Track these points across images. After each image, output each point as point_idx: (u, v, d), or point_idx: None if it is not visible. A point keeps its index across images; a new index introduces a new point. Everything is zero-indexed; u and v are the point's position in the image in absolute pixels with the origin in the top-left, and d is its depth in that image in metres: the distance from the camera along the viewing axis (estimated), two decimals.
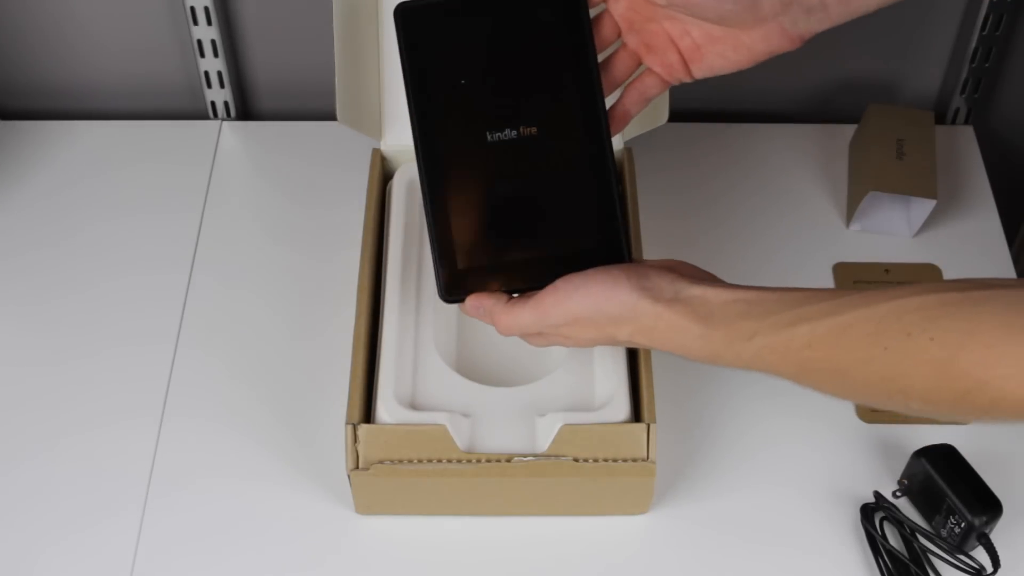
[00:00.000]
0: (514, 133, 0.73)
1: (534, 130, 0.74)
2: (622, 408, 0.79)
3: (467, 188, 0.74)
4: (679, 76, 0.75)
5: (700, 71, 0.74)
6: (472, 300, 0.74)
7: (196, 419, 0.90)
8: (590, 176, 0.74)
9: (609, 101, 0.76)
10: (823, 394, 0.66)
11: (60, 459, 0.87)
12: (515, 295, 0.74)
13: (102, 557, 0.82)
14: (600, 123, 0.74)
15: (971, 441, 0.86)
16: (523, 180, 0.74)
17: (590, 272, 0.71)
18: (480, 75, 0.73)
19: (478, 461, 0.78)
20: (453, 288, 0.74)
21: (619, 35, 0.75)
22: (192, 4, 1.03)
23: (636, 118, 0.92)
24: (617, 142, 0.93)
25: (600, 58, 0.75)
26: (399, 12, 0.73)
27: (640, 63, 0.76)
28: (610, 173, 0.74)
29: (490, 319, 0.74)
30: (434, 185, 0.73)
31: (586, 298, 0.71)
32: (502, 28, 0.73)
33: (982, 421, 0.60)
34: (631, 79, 0.76)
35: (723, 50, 0.72)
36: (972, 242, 1.01)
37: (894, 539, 0.82)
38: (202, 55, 1.07)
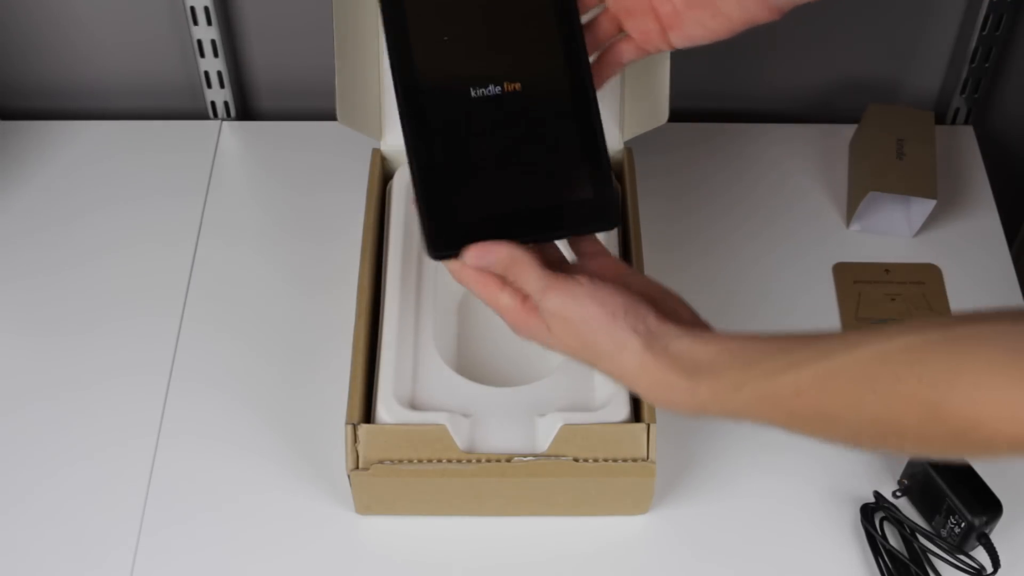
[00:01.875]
0: (498, 89, 0.73)
1: (518, 85, 0.73)
2: (622, 408, 0.79)
3: (452, 143, 0.72)
4: (657, 44, 0.74)
5: (679, 39, 0.73)
6: (478, 249, 0.70)
7: (195, 420, 0.90)
8: (576, 129, 0.73)
9: None
10: (816, 441, 0.65)
11: (62, 447, 0.88)
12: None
13: (103, 548, 0.83)
14: (584, 76, 0.73)
15: None
16: (508, 135, 0.73)
17: (600, 288, 0.69)
18: (462, 30, 0.72)
19: (478, 461, 0.78)
20: (439, 243, 0.71)
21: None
22: (192, 4, 1.03)
23: (637, 118, 0.92)
24: (617, 142, 0.94)
25: (583, 20, 0.74)
26: None
27: (620, 29, 0.75)
28: (595, 125, 0.73)
29: (501, 265, 0.70)
30: (418, 140, 0.71)
31: (585, 310, 0.68)
32: None
33: (980, 459, 0.59)
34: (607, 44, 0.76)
35: (701, 17, 0.72)
36: (972, 242, 1.01)
37: (894, 539, 0.82)
38: (202, 55, 1.07)
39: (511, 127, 0.73)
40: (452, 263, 0.71)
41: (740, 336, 0.67)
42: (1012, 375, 0.56)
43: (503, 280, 0.71)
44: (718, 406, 0.66)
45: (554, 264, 0.71)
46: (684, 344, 0.68)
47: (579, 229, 0.73)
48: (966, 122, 1.12)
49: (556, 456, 0.78)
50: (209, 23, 1.04)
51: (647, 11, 0.73)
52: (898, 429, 0.60)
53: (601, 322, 0.69)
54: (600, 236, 0.76)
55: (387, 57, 0.72)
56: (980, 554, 0.80)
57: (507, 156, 0.73)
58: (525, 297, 0.70)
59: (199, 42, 1.06)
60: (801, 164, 1.07)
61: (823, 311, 0.97)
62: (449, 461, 0.78)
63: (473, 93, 0.72)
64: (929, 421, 0.58)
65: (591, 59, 0.75)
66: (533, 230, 0.72)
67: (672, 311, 0.70)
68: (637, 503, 0.83)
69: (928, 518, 0.83)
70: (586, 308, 0.69)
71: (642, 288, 0.71)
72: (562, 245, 0.74)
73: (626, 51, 0.75)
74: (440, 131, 0.72)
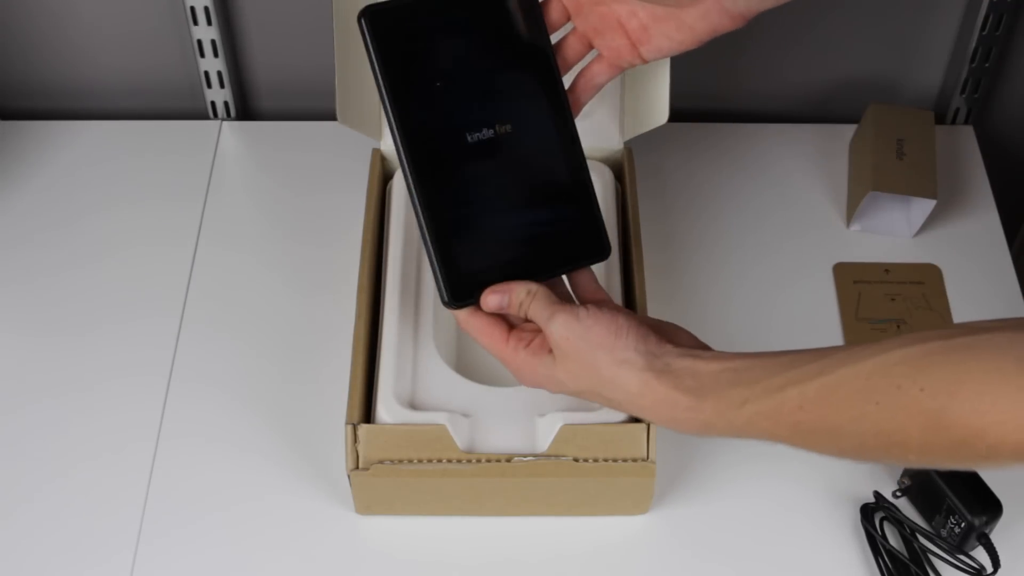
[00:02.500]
0: (491, 132, 0.74)
1: (508, 127, 0.74)
2: None
3: (458, 191, 0.74)
4: (629, 60, 0.75)
5: (649, 53, 0.75)
6: (497, 291, 0.73)
7: (195, 421, 0.90)
8: (563, 165, 0.75)
9: None
10: (820, 455, 0.65)
11: (61, 450, 0.87)
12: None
13: (104, 547, 0.83)
14: (565, 109, 0.75)
15: None
16: (507, 177, 0.75)
17: (606, 312, 0.71)
18: (452, 76, 0.73)
19: (478, 461, 0.78)
20: (457, 292, 0.73)
21: (568, 19, 0.76)
22: (192, 4, 1.03)
23: (637, 118, 0.92)
24: (617, 142, 0.94)
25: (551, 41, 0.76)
26: (367, 16, 0.72)
27: (591, 47, 0.76)
28: (580, 158, 0.75)
29: (517, 302, 0.72)
30: (426, 191, 0.73)
31: (588, 333, 0.70)
32: (465, 27, 0.74)
33: (983, 468, 0.60)
34: (581, 66, 0.77)
35: (667, 30, 0.73)
36: (972, 242, 1.01)
37: (894, 539, 0.82)
38: (202, 55, 1.07)
39: (506, 169, 0.75)
40: (460, 313, 0.74)
41: (742, 355, 0.68)
42: (1016, 383, 0.56)
43: (508, 329, 0.73)
44: (723, 423, 0.67)
45: (563, 300, 0.73)
46: (686, 363, 0.68)
47: (578, 263, 0.76)
48: (966, 122, 1.12)
49: (556, 456, 0.78)
50: (209, 23, 1.04)
51: (615, 28, 0.75)
52: (901, 440, 0.60)
53: (603, 341, 0.70)
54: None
55: (383, 111, 0.73)
56: (980, 554, 0.80)
57: (506, 200, 0.75)
58: (529, 342, 0.72)
59: (199, 42, 1.06)
60: (801, 164, 1.07)
61: (823, 311, 0.97)
62: (449, 461, 0.78)
63: (469, 138, 0.73)
64: (932, 431, 0.58)
65: (565, 83, 0.76)
66: (537, 270, 0.74)
67: (672, 336, 0.71)
68: (637, 503, 0.83)
69: (928, 518, 0.83)
70: (589, 329, 0.70)
71: (643, 319, 0.72)
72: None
73: (599, 72, 0.77)
74: (444, 180, 0.74)
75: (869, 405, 0.60)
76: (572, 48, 0.77)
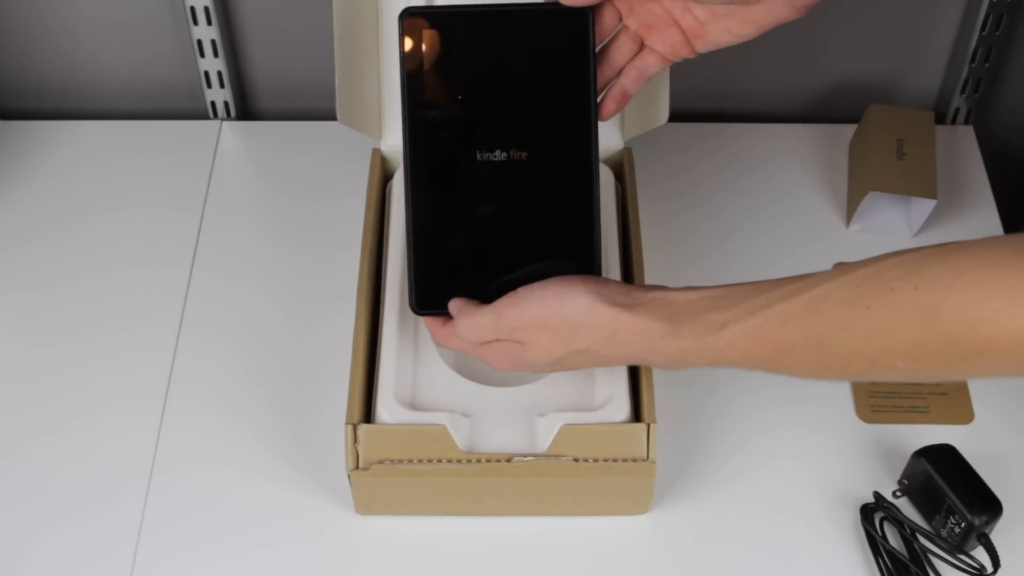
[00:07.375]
0: (504, 155, 0.74)
1: (524, 155, 0.74)
2: (622, 408, 0.79)
3: (451, 204, 0.75)
4: (681, 54, 0.74)
5: (704, 46, 0.74)
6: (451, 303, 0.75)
7: (196, 420, 0.90)
8: (574, 207, 0.75)
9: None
10: (801, 377, 0.64)
11: (59, 466, 0.87)
12: None
13: (103, 547, 0.82)
14: (591, 157, 0.75)
15: (971, 441, 0.86)
16: (507, 202, 0.75)
17: (549, 279, 0.71)
18: (477, 92, 0.74)
19: (478, 461, 0.78)
20: (424, 300, 0.75)
21: (620, 20, 0.75)
22: (192, 4, 1.03)
23: (637, 118, 0.92)
24: (617, 142, 0.94)
25: (601, 45, 0.75)
26: (403, 18, 0.73)
27: (641, 44, 0.75)
28: (594, 207, 0.75)
29: (451, 324, 0.75)
30: (418, 196, 0.74)
31: (542, 300, 0.70)
32: (505, 46, 0.74)
33: (974, 371, 0.57)
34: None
35: (727, 25, 0.72)
36: None
37: (894, 539, 0.82)
38: (202, 55, 1.07)
39: (511, 195, 0.75)
40: (431, 325, 0.76)
41: (718, 285, 0.67)
42: (1014, 272, 0.54)
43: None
44: (701, 347, 0.65)
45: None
46: (657, 294, 0.68)
47: None
48: (966, 122, 1.12)
49: (556, 456, 0.78)
50: (209, 23, 1.04)
51: (669, 24, 0.73)
52: (891, 344, 0.58)
53: (560, 297, 0.70)
54: (603, 227, 0.78)
55: (400, 107, 0.74)
56: (980, 554, 0.80)
57: (502, 224, 0.76)
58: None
59: (199, 42, 1.06)
60: (801, 164, 1.07)
61: None
62: (449, 461, 0.78)
63: (479, 156, 0.74)
64: (925, 328, 0.57)
65: (613, 81, 0.76)
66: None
67: (641, 286, 0.71)
68: (637, 503, 0.83)
69: (928, 518, 0.83)
70: (541, 298, 0.70)
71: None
72: None
73: (652, 64, 0.75)
74: (440, 190, 0.75)
75: (859, 310, 0.59)
76: (624, 47, 0.75)
